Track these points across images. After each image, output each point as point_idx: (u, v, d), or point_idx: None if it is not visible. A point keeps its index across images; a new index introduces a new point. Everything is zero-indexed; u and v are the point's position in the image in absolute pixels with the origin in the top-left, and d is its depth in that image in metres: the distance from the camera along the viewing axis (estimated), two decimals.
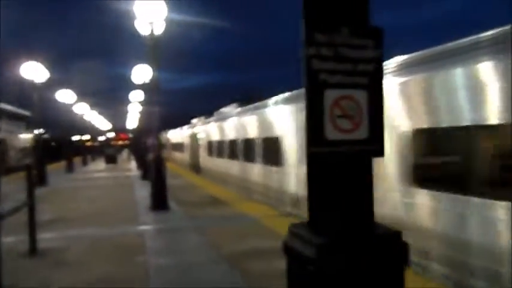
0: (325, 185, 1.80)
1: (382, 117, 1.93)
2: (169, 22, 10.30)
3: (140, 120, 33.06)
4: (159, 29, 9.96)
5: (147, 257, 6.19)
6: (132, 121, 42.17)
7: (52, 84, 23.65)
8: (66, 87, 28.13)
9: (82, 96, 32.71)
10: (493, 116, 4.77)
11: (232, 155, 16.10)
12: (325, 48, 1.80)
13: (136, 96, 25.10)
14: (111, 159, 36.54)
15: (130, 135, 78.96)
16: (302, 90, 1.84)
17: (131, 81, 20.37)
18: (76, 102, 30.76)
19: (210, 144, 20.63)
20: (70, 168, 27.10)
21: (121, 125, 76.57)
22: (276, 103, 11.56)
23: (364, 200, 1.82)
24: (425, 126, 5.83)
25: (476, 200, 4.97)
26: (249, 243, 6.73)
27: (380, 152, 1.91)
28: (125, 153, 61.37)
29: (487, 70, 4.87)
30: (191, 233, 7.74)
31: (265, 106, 12.45)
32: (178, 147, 33.14)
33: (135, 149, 36.27)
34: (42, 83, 18.87)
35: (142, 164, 19.78)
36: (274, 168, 11.54)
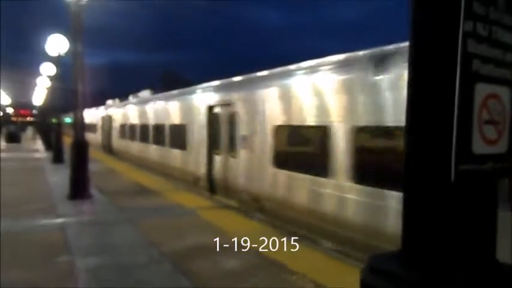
0: (440, 211, 1.36)
1: None
2: None
3: (49, 96, 30.08)
4: None
5: (73, 258, 5.35)
6: (39, 97, 38.28)
7: None
8: None
9: None
10: None
11: None
12: (481, 24, 1.34)
13: (47, 70, 22.55)
14: (14, 138, 32.90)
15: (35, 112, 72.12)
16: None
17: (43, 53, 18.11)
18: None
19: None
20: None
21: (24, 100, 69.53)
22: None
23: (487, 232, 1.43)
24: None
25: None
26: (191, 239, 6.17)
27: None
28: (29, 132, 55.91)
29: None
30: (122, 227, 6.94)
31: None
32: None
33: (42, 128, 33.07)
34: None
35: (54, 145, 17.87)
36: None
